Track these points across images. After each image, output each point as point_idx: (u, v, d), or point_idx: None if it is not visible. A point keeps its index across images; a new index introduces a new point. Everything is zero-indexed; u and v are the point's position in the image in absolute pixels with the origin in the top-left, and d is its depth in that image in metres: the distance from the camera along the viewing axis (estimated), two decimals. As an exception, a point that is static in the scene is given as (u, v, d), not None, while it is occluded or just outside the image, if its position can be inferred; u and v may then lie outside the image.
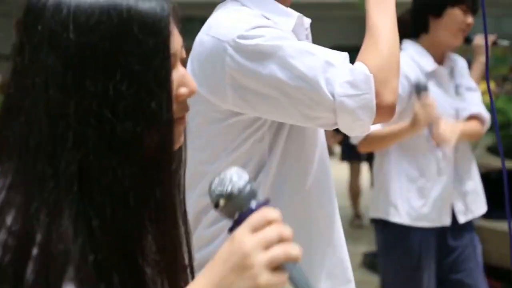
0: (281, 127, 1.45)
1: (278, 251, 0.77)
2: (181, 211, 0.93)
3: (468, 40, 2.84)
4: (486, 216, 5.24)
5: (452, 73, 2.69)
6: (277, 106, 1.38)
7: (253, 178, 1.41)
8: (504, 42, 3.20)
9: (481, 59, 3.04)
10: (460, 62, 2.78)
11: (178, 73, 0.89)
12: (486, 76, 1.52)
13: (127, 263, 0.82)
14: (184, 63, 0.93)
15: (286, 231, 0.79)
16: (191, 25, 1.90)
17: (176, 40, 0.89)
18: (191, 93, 0.91)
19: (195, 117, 1.46)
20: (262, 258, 0.76)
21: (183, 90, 0.90)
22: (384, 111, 1.33)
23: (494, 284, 4.68)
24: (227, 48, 1.38)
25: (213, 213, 1.41)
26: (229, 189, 0.82)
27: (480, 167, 4.94)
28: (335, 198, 1.56)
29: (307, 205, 1.50)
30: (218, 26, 1.44)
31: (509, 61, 20.99)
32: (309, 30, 1.57)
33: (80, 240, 0.77)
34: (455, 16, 2.50)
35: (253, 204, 0.81)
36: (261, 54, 1.37)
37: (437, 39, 2.58)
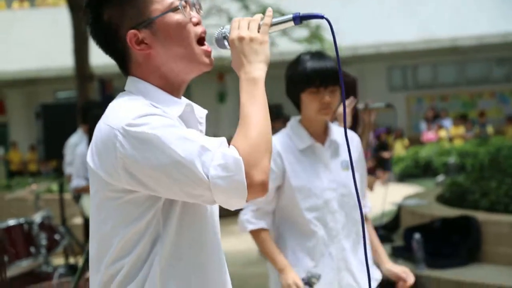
0: (174, 200, 1.60)
1: None
2: None
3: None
4: (430, 265, 5.51)
5: (336, 148, 2.79)
6: (164, 186, 1.53)
7: (150, 248, 1.60)
8: (377, 104, 3.33)
9: (362, 131, 3.26)
10: (349, 139, 2.84)
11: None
12: (346, 140, 1.68)
13: None
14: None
15: None
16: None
17: None
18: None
19: (95, 195, 1.64)
20: None
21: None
22: (256, 189, 1.48)
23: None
24: (117, 135, 1.54)
25: (119, 281, 1.61)
26: None
27: (426, 217, 5.15)
28: (223, 257, 1.76)
29: (203, 269, 1.66)
30: (112, 115, 1.60)
31: (479, 105, 21.53)
32: (204, 119, 1.76)
33: None
34: (309, 99, 2.67)
35: None
36: (145, 141, 1.51)
37: (308, 117, 2.74)
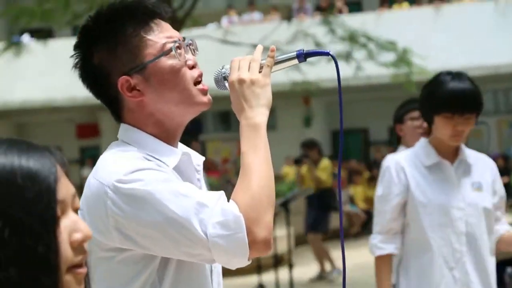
0: (169, 258, 1.48)
1: None
2: None
3: None
4: None
5: (466, 168, 2.70)
6: (160, 246, 1.43)
7: None
8: None
9: None
10: (483, 162, 2.81)
11: (70, 219, 0.91)
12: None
13: None
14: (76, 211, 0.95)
15: None
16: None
17: (65, 188, 0.92)
18: (86, 237, 0.92)
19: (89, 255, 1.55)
20: None
21: (76, 236, 0.91)
22: (259, 246, 1.37)
23: None
24: (108, 192, 1.42)
25: None
26: None
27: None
28: None
29: None
30: (102, 170, 1.49)
31: None
32: (201, 167, 1.64)
33: None
34: (442, 124, 2.59)
35: None
36: (138, 198, 1.41)
37: (439, 138, 2.67)
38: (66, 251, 0.89)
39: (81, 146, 21.37)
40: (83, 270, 0.93)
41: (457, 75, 2.65)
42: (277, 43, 10.68)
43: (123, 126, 1.60)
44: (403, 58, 10.80)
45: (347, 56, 10.75)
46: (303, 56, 1.54)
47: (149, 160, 1.50)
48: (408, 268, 2.69)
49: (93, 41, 1.57)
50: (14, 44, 14.56)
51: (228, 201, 1.41)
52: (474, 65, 18.24)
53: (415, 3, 18.51)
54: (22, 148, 0.90)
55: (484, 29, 18.45)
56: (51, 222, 0.87)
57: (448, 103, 2.56)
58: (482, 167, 2.76)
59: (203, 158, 1.67)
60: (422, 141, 2.74)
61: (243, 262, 1.40)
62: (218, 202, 1.39)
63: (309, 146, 9.38)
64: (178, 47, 1.54)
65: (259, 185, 1.42)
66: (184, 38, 1.57)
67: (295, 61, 1.56)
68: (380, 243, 2.72)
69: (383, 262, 2.73)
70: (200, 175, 1.64)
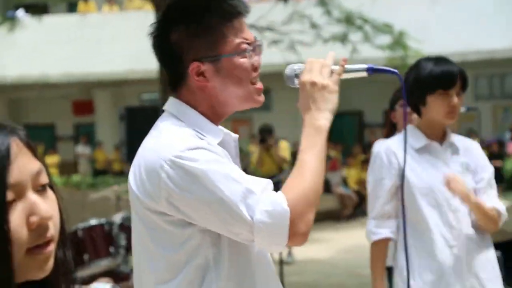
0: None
1: None
2: None
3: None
4: (509, 283, 5.25)
5: (454, 149, 2.77)
6: (207, 220, 1.56)
7: (199, 275, 1.57)
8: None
9: None
10: (470, 144, 2.85)
11: (27, 201, 0.90)
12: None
13: None
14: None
15: None
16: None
17: (22, 169, 0.90)
18: (43, 219, 0.91)
19: (138, 219, 1.65)
20: None
21: (33, 219, 0.89)
22: (297, 239, 1.52)
23: None
24: (164, 166, 1.54)
25: None
26: None
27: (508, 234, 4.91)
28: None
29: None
30: (158, 143, 1.61)
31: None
32: (237, 142, 1.77)
33: None
34: (437, 102, 2.65)
35: None
36: (192, 175, 1.52)
37: (430, 121, 2.70)
38: (20, 234, 0.88)
39: (75, 123, 21.37)
40: (45, 250, 0.92)
41: (439, 58, 2.75)
42: (273, 24, 10.70)
43: (175, 101, 1.72)
44: (399, 41, 10.84)
45: (343, 38, 10.81)
46: (372, 71, 1.68)
47: (201, 138, 1.62)
48: (408, 249, 2.69)
49: (176, 19, 1.69)
50: (8, 20, 14.50)
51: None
52: (469, 50, 18.29)
53: (413, -14, 18.44)
54: None
55: (480, 14, 18.45)
56: (0, 208, 0.86)
57: (442, 79, 2.63)
58: (469, 148, 2.82)
59: (237, 136, 1.79)
60: (410, 127, 2.78)
61: (279, 249, 1.56)
62: (265, 191, 1.52)
63: (268, 131, 9.75)
64: (251, 49, 1.68)
65: (310, 183, 1.55)
66: (255, 39, 1.70)
67: (364, 74, 1.69)
68: (375, 228, 2.75)
69: (378, 247, 2.77)
70: (237, 150, 1.77)
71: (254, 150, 14.38)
